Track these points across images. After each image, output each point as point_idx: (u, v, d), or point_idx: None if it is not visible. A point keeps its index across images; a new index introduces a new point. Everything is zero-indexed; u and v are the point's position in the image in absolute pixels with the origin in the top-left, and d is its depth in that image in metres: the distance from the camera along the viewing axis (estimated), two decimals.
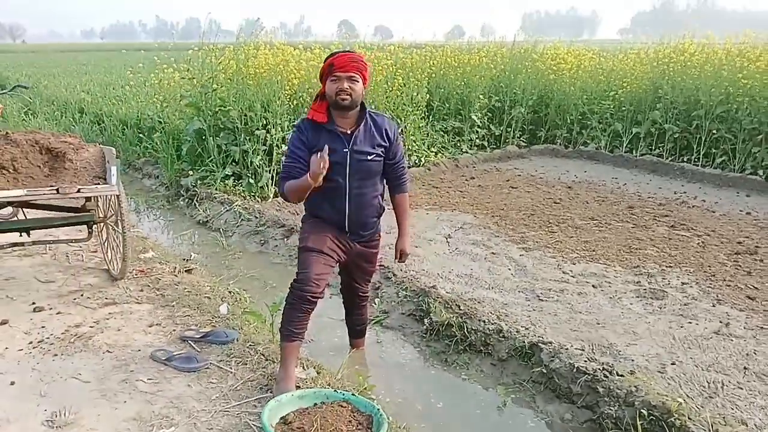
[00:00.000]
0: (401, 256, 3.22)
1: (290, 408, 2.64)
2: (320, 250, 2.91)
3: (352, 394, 2.73)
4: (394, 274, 4.37)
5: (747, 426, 2.62)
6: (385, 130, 2.98)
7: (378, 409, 2.59)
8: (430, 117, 8.91)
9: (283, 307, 2.92)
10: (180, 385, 2.93)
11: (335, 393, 2.73)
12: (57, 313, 3.68)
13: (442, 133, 9.01)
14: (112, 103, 10.89)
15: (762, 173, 7.37)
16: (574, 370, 3.09)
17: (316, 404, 2.68)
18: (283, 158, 2.98)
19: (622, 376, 2.97)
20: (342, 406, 2.64)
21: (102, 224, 4.31)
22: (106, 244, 4.38)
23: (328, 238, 2.96)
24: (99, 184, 3.81)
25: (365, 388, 3.01)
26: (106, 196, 4.07)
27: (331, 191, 2.92)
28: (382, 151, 2.96)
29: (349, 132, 2.89)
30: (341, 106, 2.83)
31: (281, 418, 2.59)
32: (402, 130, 7.95)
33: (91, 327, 3.51)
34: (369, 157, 2.91)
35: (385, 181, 3.11)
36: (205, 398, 2.82)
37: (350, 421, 2.56)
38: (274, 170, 6.84)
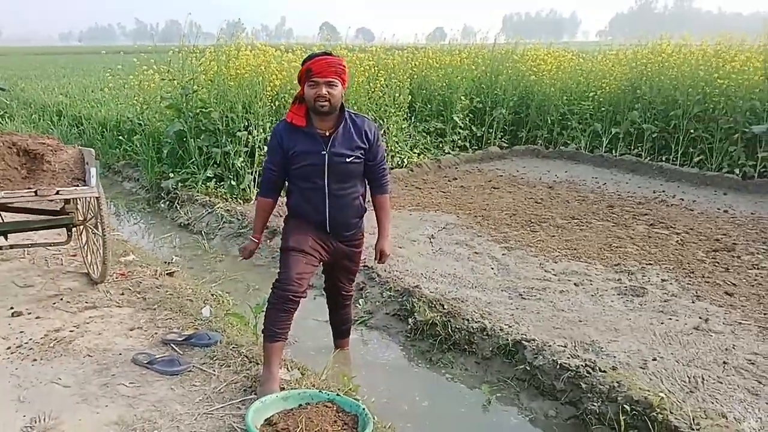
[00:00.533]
0: (381, 256, 3.19)
1: (275, 409, 2.63)
2: (302, 249, 2.91)
3: (337, 395, 2.72)
4: (378, 275, 4.37)
5: (727, 419, 2.66)
6: (365, 131, 2.95)
7: (363, 409, 2.59)
8: (413, 118, 8.94)
9: (265, 308, 2.91)
10: (162, 388, 2.90)
11: (320, 393, 2.72)
12: (36, 318, 3.63)
13: (424, 134, 9.04)
14: (90, 105, 10.78)
15: (738, 172, 7.49)
16: (558, 367, 3.12)
17: (300, 405, 2.67)
18: (264, 161, 3.07)
19: (604, 372, 3.00)
20: (327, 407, 2.64)
21: (81, 227, 4.25)
22: (85, 247, 4.32)
23: (310, 237, 2.96)
24: (78, 186, 3.76)
25: (350, 389, 3.01)
26: (86, 198, 4.02)
27: (311, 192, 2.93)
28: (361, 153, 2.94)
29: (327, 134, 2.88)
30: (320, 112, 2.82)
31: (266, 420, 2.57)
32: (384, 131, 7.96)
33: (71, 331, 3.46)
34: (348, 159, 2.90)
35: (366, 181, 3.11)
36: (188, 401, 2.80)
37: (335, 422, 2.56)
38: (256, 172, 6.80)
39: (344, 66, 2.85)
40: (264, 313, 2.93)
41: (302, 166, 2.89)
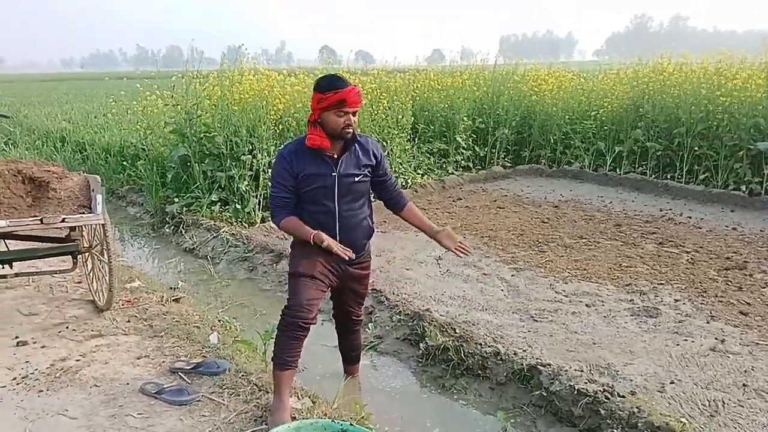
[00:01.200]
0: (455, 239, 3.09)
1: None
2: (311, 275, 2.87)
3: (351, 424, 2.65)
4: (387, 298, 4.32)
5: None
6: (371, 150, 2.99)
7: None
8: (416, 139, 8.94)
9: (275, 335, 2.86)
10: (171, 419, 2.84)
11: (333, 423, 2.65)
12: (41, 347, 3.57)
13: (427, 155, 9.04)
14: (94, 131, 10.80)
15: (745, 189, 7.46)
16: (575, 392, 3.05)
17: None
18: (271, 187, 2.97)
19: (623, 397, 2.94)
20: None
21: (87, 254, 4.21)
22: (91, 274, 4.27)
23: (319, 262, 2.91)
24: (84, 213, 3.73)
25: (362, 417, 2.94)
26: (92, 225, 3.98)
27: (321, 215, 2.90)
28: (368, 171, 2.98)
29: (336, 156, 2.88)
30: (345, 138, 2.85)
31: None
32: (388, 152, 7.96)
33: (77, 360, 3.40)
34: (356, 179, 2.92)
35: (384, 202, 3.18)
36: None
37: None
38: (261, 195, 6.78)
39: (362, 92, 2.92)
40: (273, 341, 2.87)
41: (312, 189, 2.86)
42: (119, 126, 10.55)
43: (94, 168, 9.03)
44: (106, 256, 3.80)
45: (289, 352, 2.81)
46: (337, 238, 2.90)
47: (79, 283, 4.67)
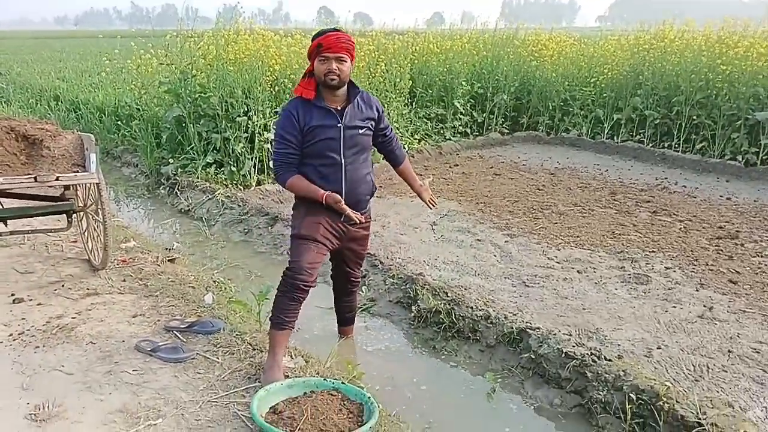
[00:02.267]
0: (426, 190, 3.34)
1: (279, 397, 2.62)
2: (314, 238, 2.89)
3: (342, 383, 2.71)
4: (381, 262, 4.35)
5: (733, 408, 2.65)
6: (374, 105, 3.06)
7: (369, 397, 2.58)
8: (413, 104, 8.88)
9: (274, 295, 2.90)
10: (166, 375, 2.89)
11: (325, 382, 2.71)
12: (37, 305, 3.60)
13: (425, 120, 8.98)
14: (88, 90, 10.69)
15: (741, 159, 7.47)
16: (563, 355, 3.10)
17: (305, 393, 2.65)
18: (274, 143, 2.95)
19: (609, 360, 2.99)
20: (332, 395, 2.63)
21: (82, 213, 4.22)
22: (86, 233, 4.29)
23: (321, 225, 2.93)
24: (78, 172, 3.72)
25: (354, 377, 2.99)
26: (86, 184, 3.98)
27: (327, 168, 2.91)
28: (371, 125, 3.02)
29: (339, 108, 2.90)
30: (330, 86, 2.83)
31: (270, 408, 2.56)
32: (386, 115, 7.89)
33: (73, 318, 3.44)
34: (360, 131, 2.95)
35: (385, 155, 3.29)
36: (192, 389, 2.78)
37: (341, 410, 2.55)
38: (256, 158, 6.76)
39: (353, 42, 2.88)
40: (272, 301, 2.91)
41: (318, 141, 2.87)
42: (113, 85, 10.44)
43: (88, 127, 8.96)
44: (100, 216, 3.81)
45: (287, 312, 2.85)
46: (343, 191, 2.92)
47: (75, 242, 4.68)
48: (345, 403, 2.61)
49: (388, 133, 3.20)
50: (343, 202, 2.83)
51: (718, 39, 8.26)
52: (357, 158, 2.97)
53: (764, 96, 7.35)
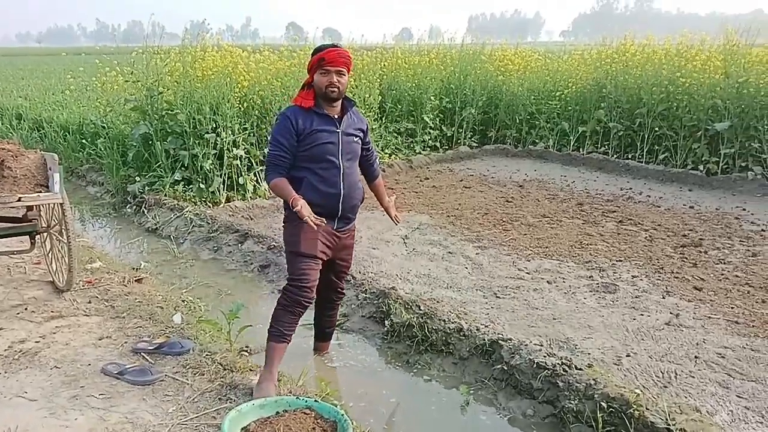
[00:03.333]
0: (393, 206, 3.50)
1: (251, 418, 2.58)
2: (314, 255, 2.99)
3: (315, 401, 2.68)
4: (354, 277, 4.33)
5: (700, 413, 2.70)
6: (362, 118, 3.23)
7: (342, 415, 2.55)
8: (383, 118, 8.92)
9: (275, 308, 2.97)
10: (134, 399, 2.82)
11: (297, 400, 2.68)
12: None
13: (395, 134, 9.04)
14: (52, 108, 10.48)
15: (702, 168, 7.68)
16: (534, 365, 3.12)
17: (278, 413, 2.62)
18: (269, 145, 3.04)
19: (580, 369, 3.02)
20: (305, 413, 2.59)
21: (45, 234, 4.12)
22: (50, 254, 4.18)
23: (319, 240, 3.01)
24: (41, 192, 3.64)
25: (328, 394, 2.97)
26: (49, 204, 3.89)
27: (326, 171, 3.01)
28: (361, 136, 3.17)
29: (337, 117, 3.05)
30: (330, 98, 2.97)
31: (242, 429, 2.52)
32: None
33: (36, 342, 3.34)
34: (355, 139, 3.11)
35: (362, 169, 3.34)
36: (161, 412, 2.73)
37: (314, 429, 2.51)
38: (225, 174, 6.70)
39: (351, 57, 3.05)
40: (273, 313, 2.98)
41: (318, 145, 2.97)
42: (78, 103, 10.26)
43: (52, 146, 8.78)
44: (65, 236, 3.73)
45: (287, 326, 2.94)
46: (341, 195, 3.04)
47: (38, 263, 4.57)
48: (318, 421, 2.57)
49: (370, 148, 3.35)
50: (303, 208, 2.79)
51: (677, 53, 8.52)
52: (352, 164, 3.13)
53: (722, 107, 7.59)
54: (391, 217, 3.50)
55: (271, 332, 2.95)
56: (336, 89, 2.95)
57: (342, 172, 3.03)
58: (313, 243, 2.98)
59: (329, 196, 3.01)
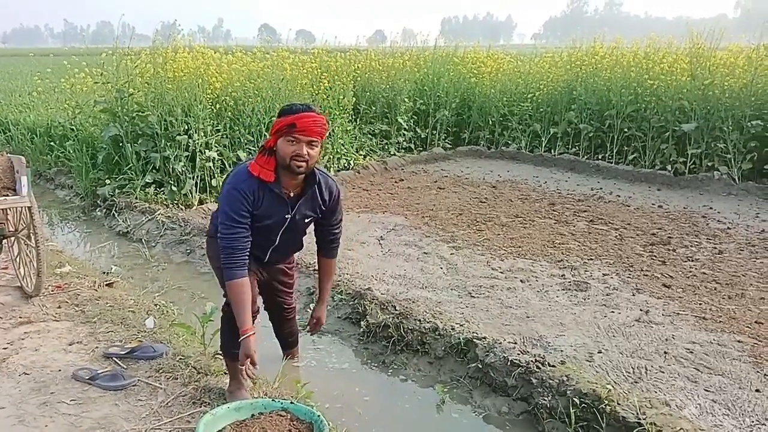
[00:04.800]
0: (316, 324, 3.16)
1: (226, 421, 2.55)
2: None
3: (291, 402, 2.67)
4: None
5: (670, 407, 2.76)
6: (328, 193, 2.79)
7: (318, 416, 2.55)
8: (358, 120, 8.93)
9: (220, 328, 2.85)
10: (106, 404, 2.78)
11: (273, 402, 2.66)
12: None
13: (369, 136, 9.05)
14: (18, 110, 10.25)
15: (670, 168, 7.85)
16: (508, 363, 3.16)
17: (253, 415, 2.60)
18: (223, 225, 2.59)
19: (553, 366, 3.07)
20: (281, 416, 2.58)
21: (13, 238, 4.03)
22: (18, 259, 4.10)
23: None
24: (8, 195, 3.57)
25: (303, 395, 2.96)
26: (17, 208, 3.81)
27: (257, 243, 2.72)
28: (319, 212, 2.83)
29: (292, 194, 2.68)
30: (294, 172, 2.56)
31: None
32: (329, 133, 7.91)
33: (4, 348, 3.27)
34: (306, 220, 2.82)
35: (317, 239, 3.01)
36: (134, 417, 2.69)
37: (290, 430, 2.50)
38: (197, 176, 6.64)
39: (327, 125, 2.61)
40: (220, 333, 2.87)
41: (261, 225, 2.66)
42: (46, 105, 10.05)
43: (19, 149, 8.60)
44: (33, 241, 3.66)
45: (237, 343, 2.75)
46: (266, 258, 2.87)
47: (5, 268, 4.47)
48: (294, 423, 2.56)
49: (336, 230, 2.97)
50: (242, 356, 2.55)
51: (645, 55, 8.69)
52: (293, 236, 2.87)
53: (689, 109, 7.76)
54: (311, 325, 3.17)
55: (226, 352, 2.80)
56: (304, 163, 2.52)
57: (275, 244, 2.79)
58: None
59: (257, 253, 2.77)
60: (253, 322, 2.75)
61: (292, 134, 2.49)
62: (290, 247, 2.99)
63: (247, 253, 2.63)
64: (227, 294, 2.66)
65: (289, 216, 2.70)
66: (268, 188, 2.59)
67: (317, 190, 2.74)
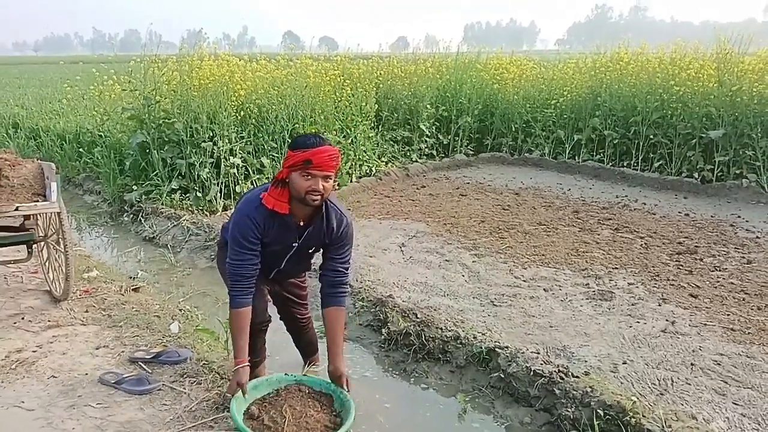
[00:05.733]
0: (343, 381, 2.70)
1: (249, 401, 2.61)
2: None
3: (304, 375, 2.75)
4: (350, 285, 4.33)
5: (697, 420, 2.71)
6: (337, 224, 2.74)
7: (335, 387, 2.63)
8: (380, 127, 8.95)
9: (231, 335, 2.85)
10: (131, 408, 2.82)
11: (286, 376, 2.74)
12: None
13: (391, 142, 9.07)
14: (48, 117, 10.49)
15: (697, 176, 7.72)
16: (531, 373, 3.14)
17: (270, 394, 2.66)
18: (233, 250, 2.63)
19: (577, 377, 3.04)
20: (300, 390, 2.66)
21: (42, 243, 4.12)
22: (47, 264, 4.18)
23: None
24: (38, 201, 3.65)
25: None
26: (47, 213, 3.90)
27: (264, 264, 2.74)
28: (326, 240, 2.77)
29: (302, 224, 2.70)
30: (309, 205, 2.57)
31: (245, 414, 2.54)
32: (351, 140, 7.95)
33: (33, 352, 3.34)
34: (311, 250, 2.84)
35: (321, 282, 2.85)
36: (158, 421, 2.72)
37: (315, 405, 2.58)
38: (221, 183, 6.71)
39: (340, 155, 2.67)
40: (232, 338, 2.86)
41: (266, 252, 2.69)
42: (75, 112, 10.27)
43: (48, 155, 8.78)
44: (62, 245, 3.73)
45: (255, 350, 2.86)
46: (271, 276, 2.89)
47: (35, 273, 4.56)
48: (314, 395, 2.65)
49: (342, 267, 2.79)
50: (241, 378, 2.57)
51: (670, 61, 8.58)
52: (299, 265, 2.92)
53: (716, 115, 7.64)
54: (335, 379, 2.71)
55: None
56: (319, 196, 2.53)
57: (279, 270, 2.84)
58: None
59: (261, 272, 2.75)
60: (265, 331, 2.87)
61: (308, 170, 2.49)
62: (296, 271, 3.05)
63: (254, 281, 2.67)
64: (230, 318, 2.70)
65: (297, 244, 2.73)
66: (279, 217, 2.61)
67: (325, 219, 2.71)
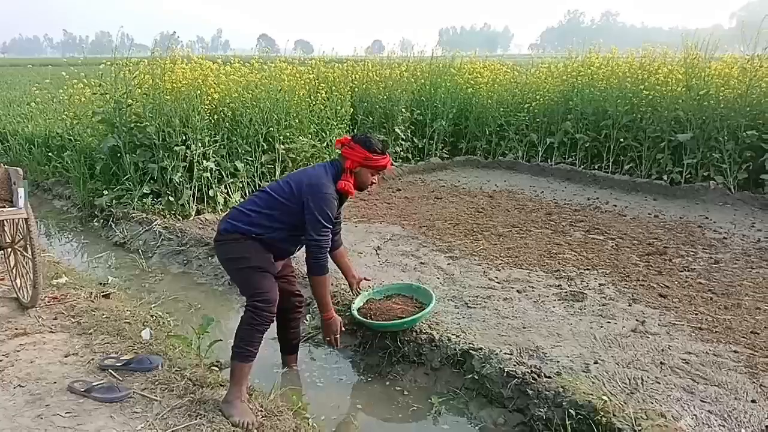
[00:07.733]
0: (362, 280, 3.78)
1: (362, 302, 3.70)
2: (269, 270, 2.99)
3: (419, 283, 3.83)
4: None
5: (666, 418, 2.76)
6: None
7: (417, 286, 3.84)
8: (355, 130, 8.96)
9: (242, 328, 2.86)
10: (102, 417, 2.77)
11: (402, 284, 3.91)
12: None
13: None
14: (16, 120, 10.27)
15: (666, 178, 7.87)
16: (505, 374, 3.16)
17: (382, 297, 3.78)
18: (322, 224, 3.02)
19: (549, 378, 3.07)
20: (406, 297, 3.80)
21: (9, 250, 4.03)
22: (14, 270, 4.09)
23: (269, 258, 3.03)
24: (5, 207, 3.58)
25: (299, 407, 2.96)
26: (14, 219, 3.82)
27: (299, 243, 3.18)
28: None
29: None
30: (362, 191, 3.32)
31: (358, 310, 3.58)
32: (327, 144, 7.93)
33: (0, 360, 3.26)
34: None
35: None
36: (129, 429, 2.68)
37: (398, 300, 3.76)
38: (194, 187, 6.65)
39: None
40: (237, 334, 2.87)
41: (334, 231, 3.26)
42: (44, 115, 10.08)
43: (16, 160, 8.62)
44: (29, 252, 3.66)
45: (254, 344, 2.88)
46: (296, 251, 3.27)
47: (2, 279, 4.46)
48: (415, 302, 3.70)
49: (339, 223, 3.50)
50: (333, 332, 3.35)
51: (640, 66, 8.73)
52: None
53: (684, 119, 7.79)
54: (356, 286, 3.76)
55: (239, 353, 2.84)
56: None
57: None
58: (266, 259, 3.01)
59: (288, 251, 3.23)
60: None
61: (379, 171, 3.24)
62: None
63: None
64: (316, 285, 3.17)
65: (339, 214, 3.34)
66: (342, 197, 3.23)
67: None
